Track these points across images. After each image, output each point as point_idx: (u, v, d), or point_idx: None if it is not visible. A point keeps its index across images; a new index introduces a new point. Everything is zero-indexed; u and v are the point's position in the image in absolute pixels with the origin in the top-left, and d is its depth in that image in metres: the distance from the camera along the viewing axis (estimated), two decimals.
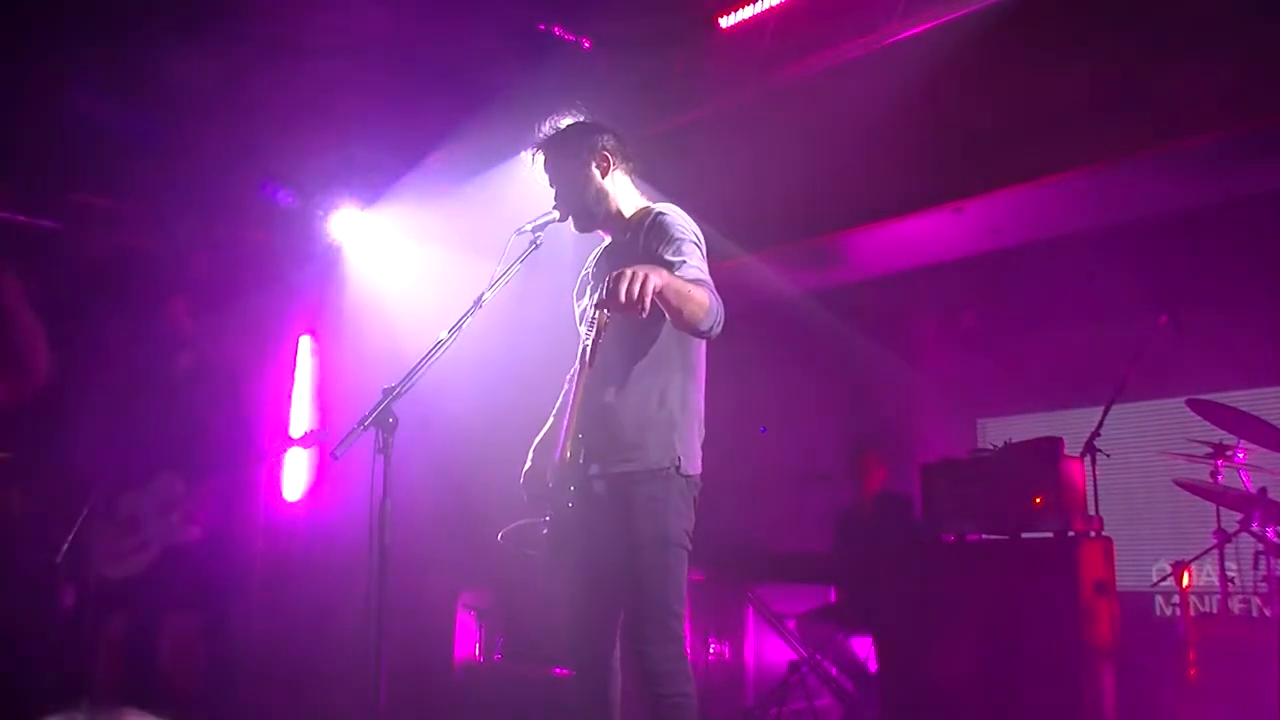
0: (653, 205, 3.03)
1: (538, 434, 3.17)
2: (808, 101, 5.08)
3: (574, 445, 2.82)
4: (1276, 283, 5.17)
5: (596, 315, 2.53)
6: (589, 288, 3.11)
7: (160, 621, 4.65)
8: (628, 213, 3.06)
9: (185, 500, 4.59)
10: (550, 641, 4.88)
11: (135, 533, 4.52)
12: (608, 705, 2.92)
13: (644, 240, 2.89)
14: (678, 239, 2.84)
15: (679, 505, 2.84)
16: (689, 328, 2.71)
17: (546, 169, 3.05)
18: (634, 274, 2.44)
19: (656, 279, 2.48)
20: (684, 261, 2.77)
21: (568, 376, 3.16)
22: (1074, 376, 5.59)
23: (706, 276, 2.79)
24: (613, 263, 3.01)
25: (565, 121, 3.10)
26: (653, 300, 2.47)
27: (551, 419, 3.18)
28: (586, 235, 3.12)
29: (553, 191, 3.05)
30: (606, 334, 2.65)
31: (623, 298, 2.43)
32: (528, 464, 3.10)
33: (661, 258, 2.79)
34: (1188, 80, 4.29)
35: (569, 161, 3.01)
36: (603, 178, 3.03)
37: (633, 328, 2.79)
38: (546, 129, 3.08)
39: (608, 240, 3.13)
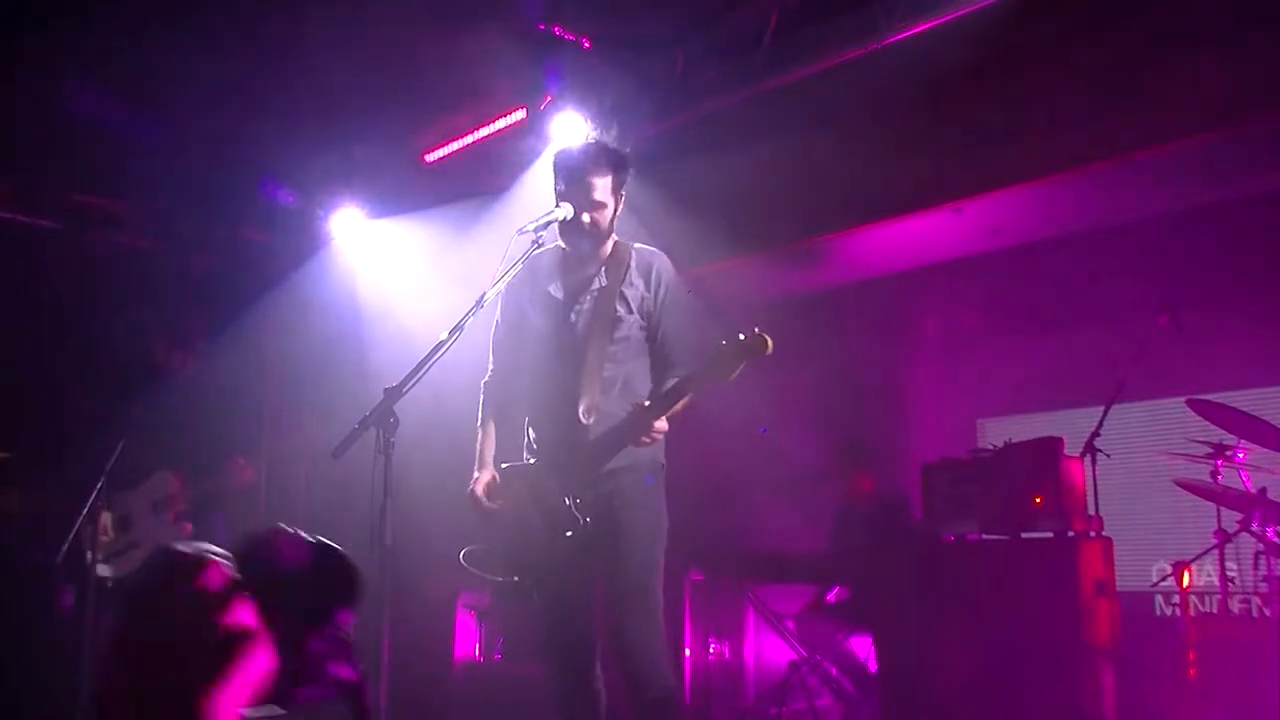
0: (634, 244, 3.14)
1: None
2: (807, 102, 5.07)
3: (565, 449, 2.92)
4: (1276, 283, 5.17)
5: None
6: (549, 283, 3.13)
7: None
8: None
9: (179, 500, 4.58)
10: None
11: (127, 531, 4.51)
12: (598, 702, 2.97)
13: (654, 285, 3.03)
14: (684, 301, 3.11)
15: (663, 499, 2.97)
16: None
17: (591, 178, 2.99)
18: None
19: (663, 429, 2.82)
20: (683, 339, 3.05)
21: (483, 382, 3.21)
22: (1074, 376, 5.58)
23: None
24: (569, 273, 3.09)
25: (615, 142, 3.17)
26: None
27: (492, 425, 3.19)
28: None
29: (555, 193, 3.04)
30: (592, 342, 2.94)
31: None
32: (488, 475, 3.09)
33: (672, 315, 3.06)
34: (1187, 80, 4.29)
35: (615, 186, 3.04)
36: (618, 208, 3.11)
37: (617, 346, 2.98)
38: (611, 141, 3.16)
39: (561, 245, 3.10)
